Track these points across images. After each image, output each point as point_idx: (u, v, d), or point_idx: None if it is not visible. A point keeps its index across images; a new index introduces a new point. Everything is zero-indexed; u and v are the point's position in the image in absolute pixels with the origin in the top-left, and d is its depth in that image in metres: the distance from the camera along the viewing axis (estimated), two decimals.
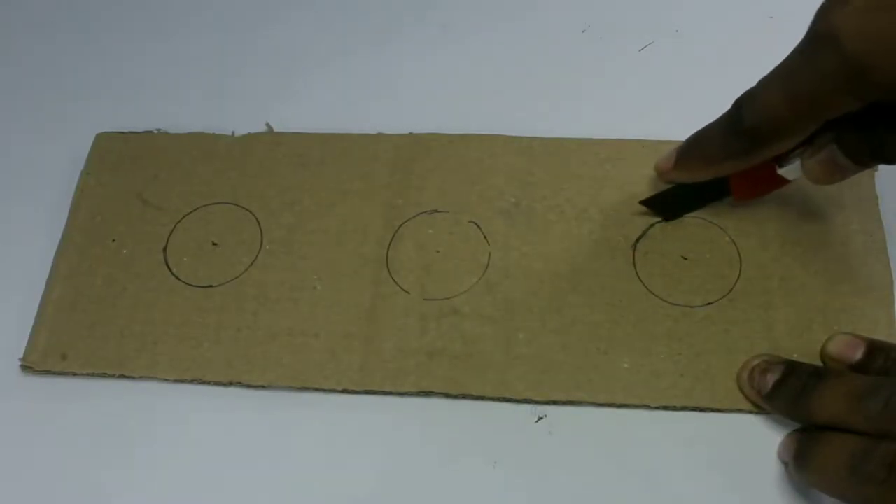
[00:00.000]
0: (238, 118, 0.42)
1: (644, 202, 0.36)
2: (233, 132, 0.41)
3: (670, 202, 0.36)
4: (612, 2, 0.45)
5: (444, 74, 0.43)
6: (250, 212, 0.39)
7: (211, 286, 0.37)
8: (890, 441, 0.26)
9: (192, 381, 0.35)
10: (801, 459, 0.29)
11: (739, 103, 0.31)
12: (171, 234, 0.39)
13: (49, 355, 0.36)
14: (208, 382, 0.35)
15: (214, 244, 0.38)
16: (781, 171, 0.32)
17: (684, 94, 0.41)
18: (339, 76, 0.44)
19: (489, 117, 0.40)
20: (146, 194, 0.40)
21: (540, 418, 0.33)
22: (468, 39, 0.45)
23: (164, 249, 0.38)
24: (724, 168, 0.33)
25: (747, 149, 0.31)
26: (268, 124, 0.42)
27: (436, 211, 0.38)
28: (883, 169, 0.36)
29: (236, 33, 0.47)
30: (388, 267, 0.37)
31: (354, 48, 0.45)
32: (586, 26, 0.44)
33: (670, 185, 0.36)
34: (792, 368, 0.31)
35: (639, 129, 0.39)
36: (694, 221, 0.36)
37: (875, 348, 0.31)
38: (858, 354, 0.31)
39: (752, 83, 0.41)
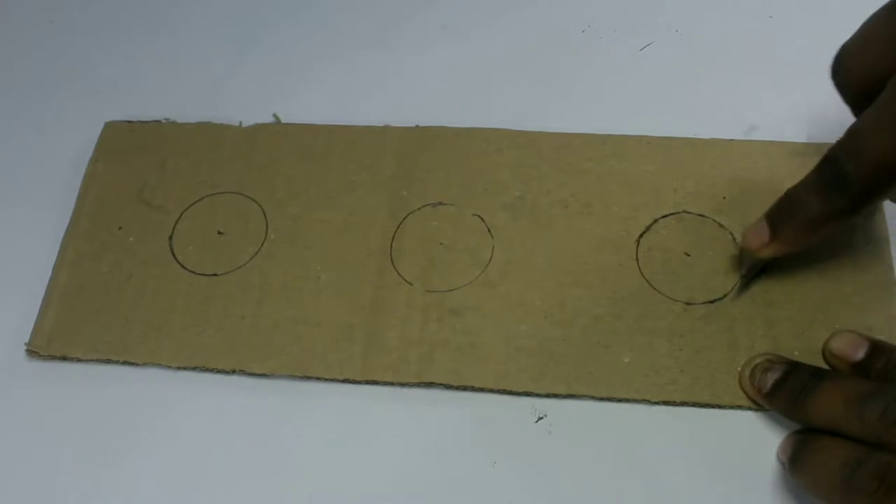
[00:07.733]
0: (245, 109, 0.42)
1: (745, 277, 0.34)
2: (240, 123, 0.42)
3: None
4: (612, 2, 0.45)
5: (450, 70, 0.43)
6: (256, 202, 0.39)
7: (215, 275, 0.37)
8: (883, 451, 0.26)
9: (195, 369, 0.35)
10: (796, 462, 0.29)
11: (834, 159, 0.29)
12: (176, 223, 0.39)
13: (54, 340, 0.36)
14: (211, 370, 0.35)
15: (220, 233, 0.38)
16: None
17: (684, 95, 0.41)
18: (346, 69, 0.44)
19: (493, 114, 0.40)
20: (153, 183, 0.40)
21: (540, 418, 0.33)
22: (472, 37, 0.45)
23: (170, 238, 0.38)
24: (828, 230, 0.30)
25: (855, 205, 0.29)
26: (275, 115, 0.42)
27: (440, 203, 0.38)
28: None
29: (245, 25, 0.47)
30: (391, 258, 0.37)
31: (362, 41, 0.45)
32: (586, 26, 0.44)
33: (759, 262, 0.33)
34: (793, 368, 0.31)
35: (638, 129, 0.39)
36: (696, 219, 0.36)
37: (878, 349, 0.30)
38: (861, 354, 0.30)
39: (752, 83, 0.41)
